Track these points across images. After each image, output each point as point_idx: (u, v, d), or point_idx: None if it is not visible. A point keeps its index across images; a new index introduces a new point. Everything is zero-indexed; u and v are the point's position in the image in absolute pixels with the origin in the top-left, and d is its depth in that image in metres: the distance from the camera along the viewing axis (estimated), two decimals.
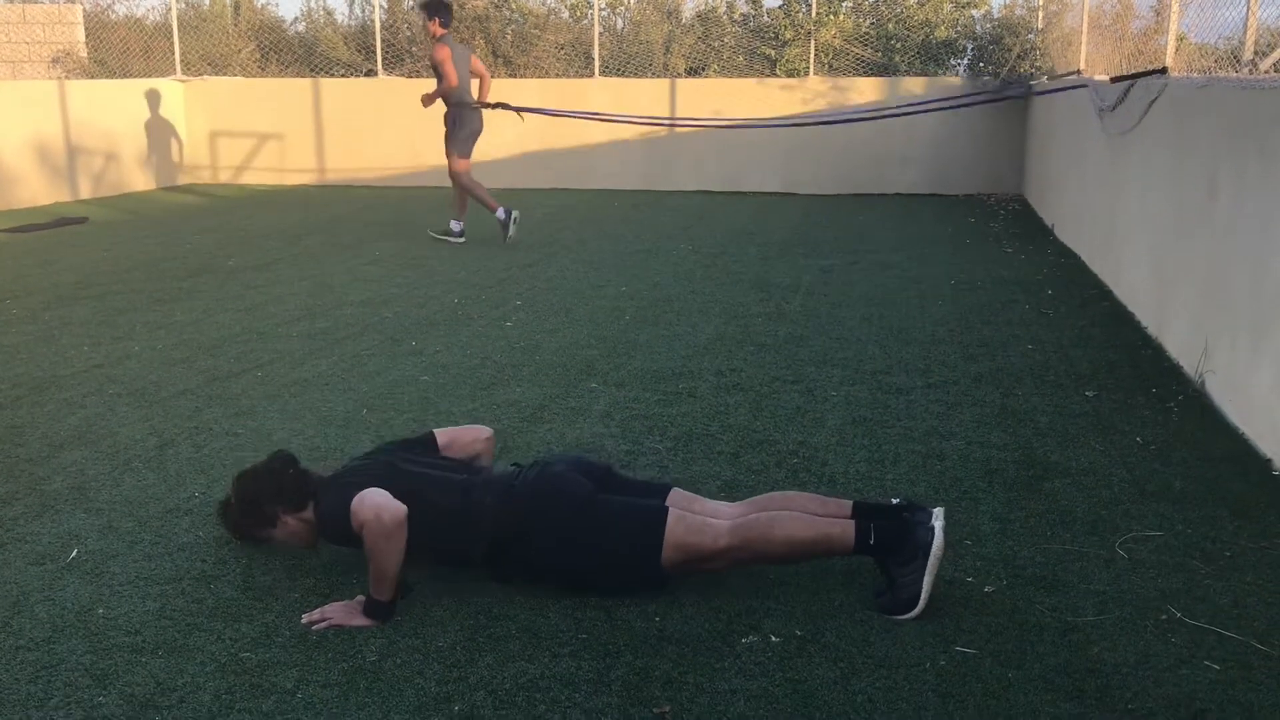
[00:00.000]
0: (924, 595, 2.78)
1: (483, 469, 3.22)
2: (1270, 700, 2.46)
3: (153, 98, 13.01)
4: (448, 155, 8.90)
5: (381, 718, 2.40)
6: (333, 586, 3.00)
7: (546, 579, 2.96)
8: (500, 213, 8.80)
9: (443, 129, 8.99)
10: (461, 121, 8.83)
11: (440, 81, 8.70)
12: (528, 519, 2.95)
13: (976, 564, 3.11)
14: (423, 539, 2.86)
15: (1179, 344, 5.19)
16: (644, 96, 12.75)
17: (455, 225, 9.00)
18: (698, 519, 2.95)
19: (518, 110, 9.41)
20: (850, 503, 3.04)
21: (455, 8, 11.09)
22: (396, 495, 2.85)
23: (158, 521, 3.43)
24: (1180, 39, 6.48)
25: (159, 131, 13.10)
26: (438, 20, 8.67)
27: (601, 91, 12.78)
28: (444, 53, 8.62)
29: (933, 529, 2.83)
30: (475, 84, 8.93)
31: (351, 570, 3.06)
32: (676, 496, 3.10)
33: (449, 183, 8.97)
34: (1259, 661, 2.61)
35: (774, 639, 2.72)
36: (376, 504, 2.77)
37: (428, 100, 8.90)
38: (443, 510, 2.95)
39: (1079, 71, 9.28)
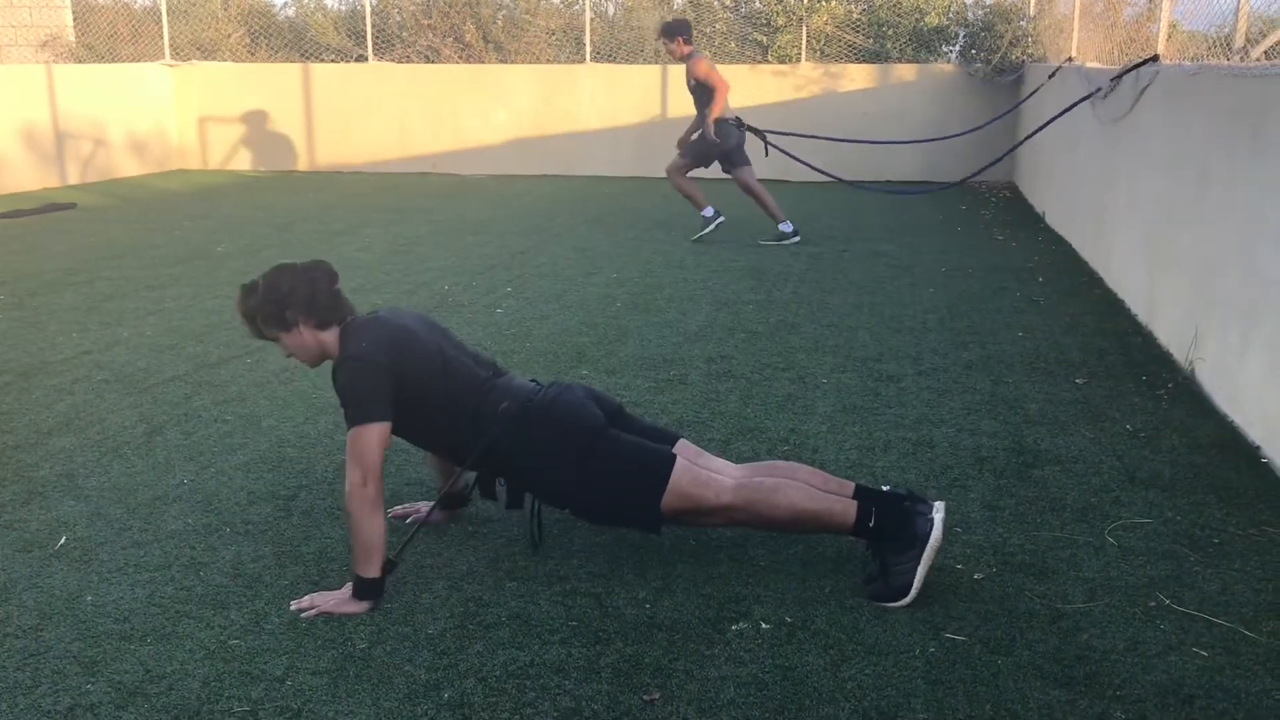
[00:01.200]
0: (916, 585, 2.79)
1: (507, 373, 3.20)
2: (1257, 686, 2.47)
3: (141, 82, 12.93)
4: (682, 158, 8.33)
5: (371, 705, 2.39)
6: (323, 574, 2.99)
7: (538, 495, 3.01)
8: (708, 211, 8.40)
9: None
10: (720, 136, 8.11)
11: (704, 101, 8.06)
12: (539, 433, 2.96)
13: (966, 551, 3.12)
14: (431, 422, 2.92)
15: (1169, 332, 5.19)
16: (636, 83, 12.72)
17: (785, 227, 8.35)
18: (704, 472, 2.95)
19: (763, 137, 8.56)
20: (853, 484, 3.04)
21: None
22: (423, 364, 2.91)
23: (146, 509, 3.41)
24: (1172, 26, 6.48)
25: (148, 116, 13.02)
26: (680, 39, 8.05)
27: (593, 78, 12.75)
28: (704, 66, 7.98)
29: (932, 520, 2.83)
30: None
31: (342, 559, 3.05)
32: (684, 447, 3.11)
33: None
34: (1246, 648, 2.62)
35: (764, 626, 2.72)
36: (363, 463, 2.76)
37: (708, 129, 8.08)
38: (459, 404, 2.97)
39: (1071, 59, 9.27)
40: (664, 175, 8.78)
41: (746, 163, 8.32)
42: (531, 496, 3.10)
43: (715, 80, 7.98)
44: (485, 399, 3.00)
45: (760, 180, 8.51)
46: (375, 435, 2.80)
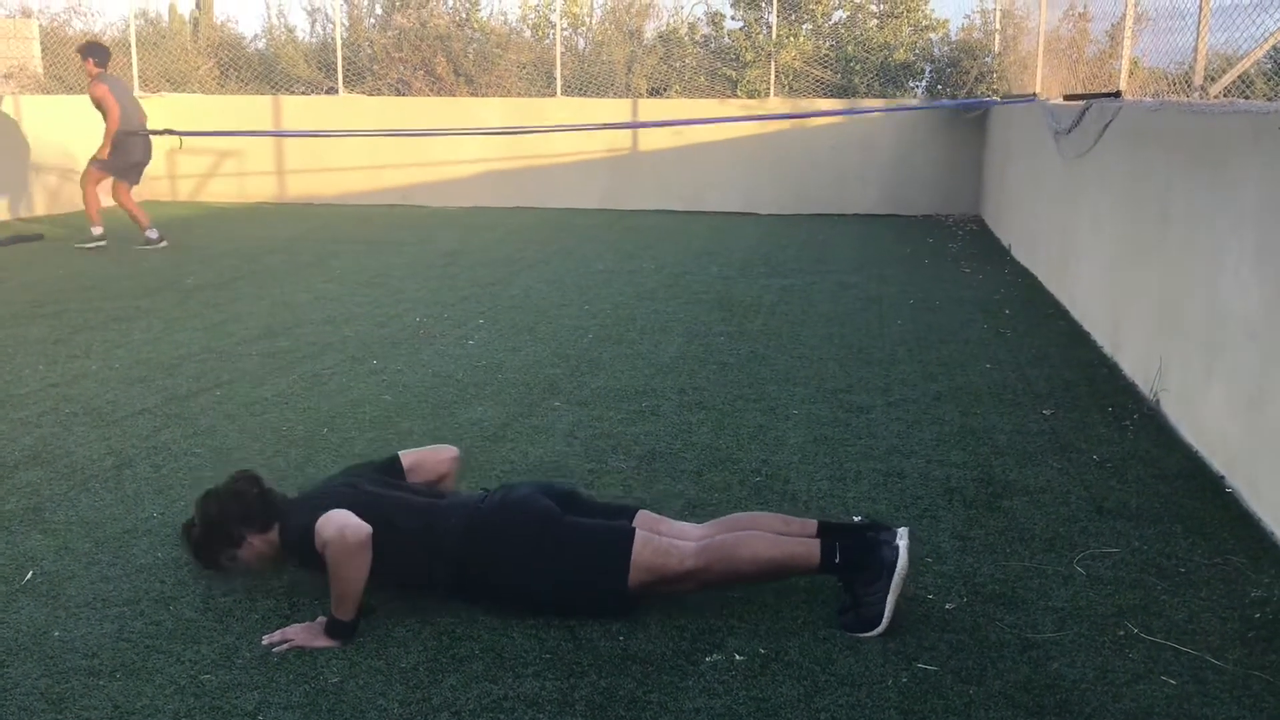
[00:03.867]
0: (887, 614, 2.81)
1: (448, 493, 3.21)
2: (1224, 714, 2.50)
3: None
4: (91, 169, 9.38)
5: None
6: (294, 608, 2.97)
7: (512, 603, 2.95)
8: (98, 229, 9.41)
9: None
10: (127, 149, 9.38)
11: (106, 118, 9.26)
12: (493, 542, 2.94)
13: (937, 581, 3.14)
14: (388, 563, 2.85)
15: (1134, 363, 5.27)
16: (606, 116, 12.79)
17: (152, 234, 9.43)
18: (664, 541, 2.95)
19: (181, 135, 10.18)
20: (815, 522, 3.06)
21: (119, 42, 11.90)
22: (358, 504, 2.85)
23: (115, 542, 3.38)
24: (1133, 63, 6.61)
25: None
26: (92, 60, 9.24)
27: (563, 111, 12.81)
28: (102, 89, 9.17)
29: (897, 548, 2.85)
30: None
31: (313, 592, 3.03)
32: (643, 518, 3.09)
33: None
34: (1213, 676, 2.65)
35: (738, 657, 2.73)
36: (341, 523, 2.76)
37: (106, 147, 9.31)
38: (408, 535, 2.93)
39: (1035, 95, 9.43)
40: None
41: (134, 181, 9.61)
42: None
43: (109, 104, 9.13)
44: (434, 523, 2.97)
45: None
46: (334, 512, 2.80)
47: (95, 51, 9.36)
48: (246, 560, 3.05)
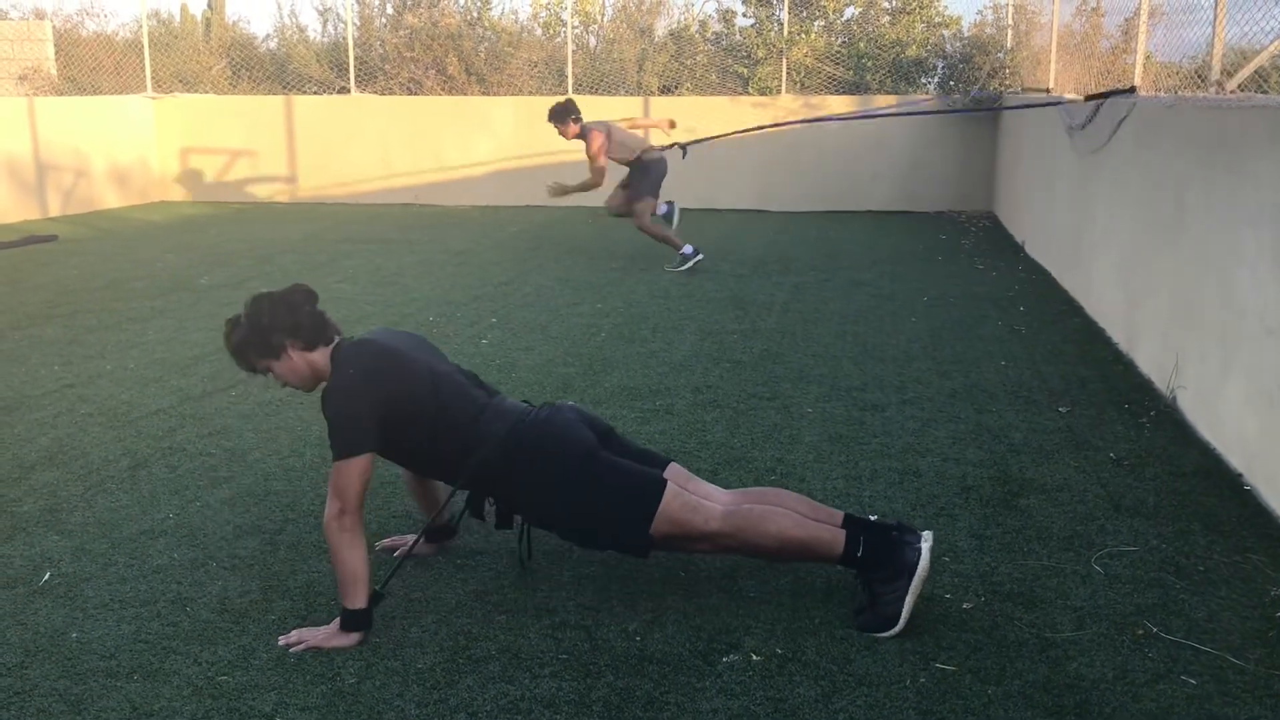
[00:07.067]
0: (905, 614, 2.79)
1: (499, 394, 3.19)
2: (1246, 714, 2.48)
3: (123, 114, 12.92)
4: (634, 201, 8.53)
5: None
6: (310, 608, 2.98)
7: (527, 517, 3.00)
8: (687, 249, 8.44)
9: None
10: (649, 169, 8.48)
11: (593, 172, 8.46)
12: (530, 457, 2.95)
13: (954, 580, 3.13)
14: (422, 442, 2.91)
15: (1150, 360, 5.24)
16: (618, 114, 12.75)
17: (688, 249, 8.47)
18: (694, 498, 2.95)
19: (684, 146, 9.13)
20: (842, 514, 3.05)
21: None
22: (413, 385, 2.90)
23: (132, 543, 3.39)
24: (1147, 58, 6.57)
25: (129, 148, 13.00)
26: (570, 120, 8.37)
27: None
28: (598, 143, 8.30)
29: (920, 550, 2.84)
30: (639, 131, 8.91)
31: (329, 593, 3.04)
32: (674, 471, 3.10)
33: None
34: (1234, 676, 2.64)
35: (755, 657, 2.72)
36: (342, 500, 2.78)
37: (610, 193, 8.65)
38: (452, 421, 2.96)
39: (1048, 90, 9.39)
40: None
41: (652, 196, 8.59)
42: (520, 517, 3.10)
43: (600, 164, 8.31)
44: (478, 419, 2.99)
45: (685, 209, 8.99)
46: (357, 469, 2.81)
47: (567, 112, 8.35)
48: (280, 374, 3.02)
